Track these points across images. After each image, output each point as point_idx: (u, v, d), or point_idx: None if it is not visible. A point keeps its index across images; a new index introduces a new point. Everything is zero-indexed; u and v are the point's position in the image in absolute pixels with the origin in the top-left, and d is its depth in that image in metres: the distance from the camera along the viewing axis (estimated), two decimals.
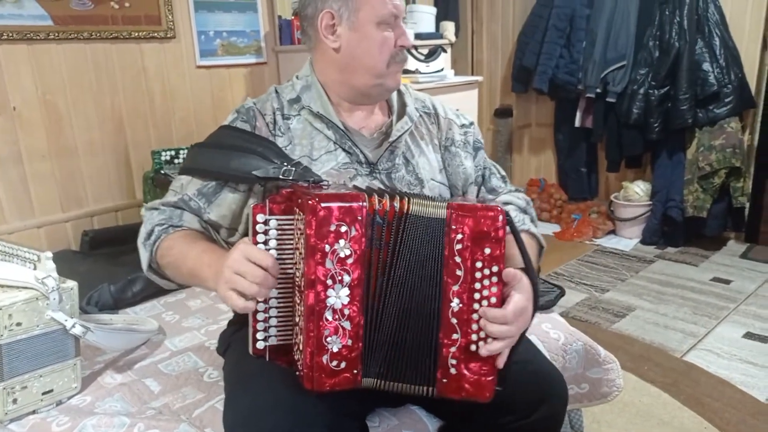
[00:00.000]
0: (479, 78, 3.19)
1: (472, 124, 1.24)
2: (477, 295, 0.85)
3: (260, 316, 0.89)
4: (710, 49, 2.89)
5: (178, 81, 2.64)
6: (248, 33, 2.84)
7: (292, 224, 0.88)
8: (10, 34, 2.13)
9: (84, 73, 2.35)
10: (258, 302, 0.87)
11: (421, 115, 1.18)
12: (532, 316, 0.91)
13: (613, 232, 3.42)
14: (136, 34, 2.46)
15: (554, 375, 1.05)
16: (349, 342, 0.83)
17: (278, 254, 0.87)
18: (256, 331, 0.89)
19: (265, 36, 2.90)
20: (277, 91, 1.13)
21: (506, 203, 1.17)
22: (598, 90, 3.22)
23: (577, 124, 3.48)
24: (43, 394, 1.16)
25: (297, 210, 0.86)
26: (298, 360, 0.87)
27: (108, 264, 2.06)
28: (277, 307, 0.89)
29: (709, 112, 2.93)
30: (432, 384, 0.88)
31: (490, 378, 0.87)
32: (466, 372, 0.87)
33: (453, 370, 0.87)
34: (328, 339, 0.82)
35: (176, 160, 2.35)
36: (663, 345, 2.21)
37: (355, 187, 0.95)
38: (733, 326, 2.33)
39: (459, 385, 0.87)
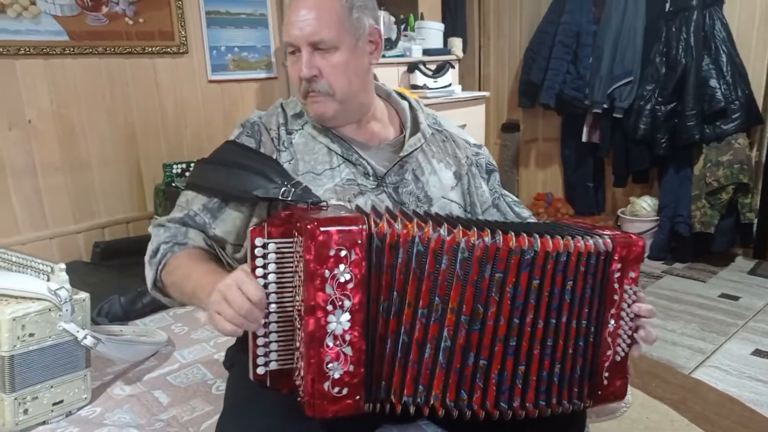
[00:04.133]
0: (486, 93, 3.22)
1: (482, 146, 1.24)
2: (623, 314, 0.95)
3: (260, 341, 0.87)
4: (717, 65, 2.90)
5: (190, 95, 2.67)
6: (259, 48, 2.89)
7: (291, 247, 0.86)
8: (28, 49, 2.18)
9: (98, 87, 2.39)
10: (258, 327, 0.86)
11: (433, 132, 1.17)
12: None
13: None
14: (150, 49, 2.50)
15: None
16: (351, 368, 0.82)
17: (278, 278, 0.86)
18: (256, 356, 0.87)
19: (275, 51, 2.94)
20: (282, 106, 1.13)
21: None
22: (605, 105, 3.23)
23: (584, 139, 3.49)
24: (54, 404, 1.17)
25: (296, 233, 0.85)
26: (299, 386, 0.85)
27: (119, 276, 2.08)
28: (277, 332, 0.87)
29: (716, 128, 2.93)
30: (590, 398, 0.94)
31: (627, 379, 0.96)
32: (614, 380, 0.95)
33: (606, 381, 0.94)
34: (329, 365, 0.81)
35: (187, 173, 2.38)
36: (671, 361, 2.20)
37: (358, 208, 0.94)
38: (742, 343, 2.32)
39: (610, 391, 0.95)
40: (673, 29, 3.00)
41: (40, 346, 1.14)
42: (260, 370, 0.87)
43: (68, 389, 1.19)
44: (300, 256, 0.82)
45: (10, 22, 2.14)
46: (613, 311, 0.93)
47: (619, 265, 0.93)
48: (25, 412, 1.13)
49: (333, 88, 1.03)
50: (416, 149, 1.12)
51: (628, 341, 0.96)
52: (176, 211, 1.10)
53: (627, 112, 3.17)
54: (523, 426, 0.95)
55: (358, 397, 0.83)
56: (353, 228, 0.80)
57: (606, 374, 0.94)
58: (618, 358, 0.94)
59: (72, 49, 2.29)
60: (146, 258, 1.07)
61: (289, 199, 0.94)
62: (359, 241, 0.80)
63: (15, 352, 1.11)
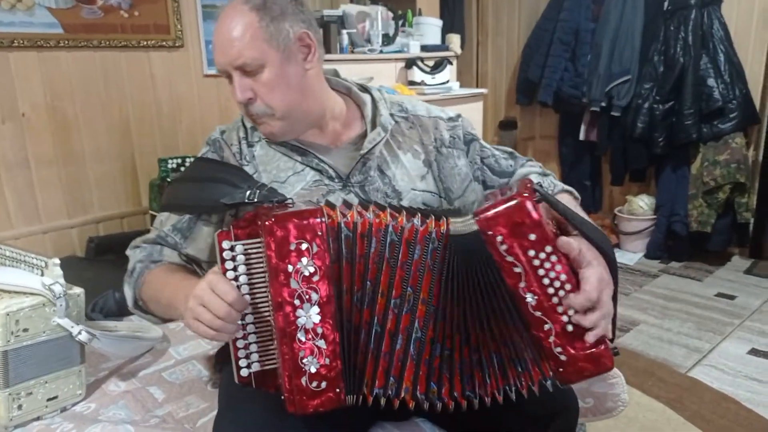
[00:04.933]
0: (484, 90, 3.21)
1: (459, 116, 1.19)
2: (546, 281, 0.84)
3: (240, 343, 0.86)
4: (715, 64, 2.90)
5: (186, 89, 2.66)
6: None
7: (259, 247, 0.85)
8: (22, 42, 2.16)
9: (92, 81, 2.37)
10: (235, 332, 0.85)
11: (397, 121, 1.13)
12: (614, 270, 0.88)
13: (617, 245, 3.42)
14: (145, 43, 2.48)
15: (565, 387, 1.04)
16: (327, 361, 0.81)
17: (249, 279, 0.86)
18: (238, 359, 0.87)
19: None
20: (242, 119, 1.12)
21: (525, 176, 1.15)
22: (603, 104, 3.23)
23: (581, 137, 3.49)
24: (48, 400, 1.16)
25: (260, 232, 0.84)
26: (281, 383, 0.85)
27: (113, 271, 2.06)
28: (255, 332, 0.86)
29: (713, 128, 2.94)
30: (557, 377, 0.87)
31: (603, 347, 0.85)
32: (576, 352, 0.85)
33: (563, 357, 0.85)
34: (305, 360, 0.81)
35: (182, 168, 2.36)
36: (667, 360, 2.20)
37: (327, 202, 0.91)
38: (738, 342, 2.32)
39: (576, 367, 0.86)
40: (672, 28, 3.00)
41: (34, 342, 1.12)
42: (244, 372, 0.87)
43: (63, 385, 1.17)
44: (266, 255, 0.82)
45: (4, 14, 2.11)
46: (522, 285, 0.83)
47: (500, 237, 0.82)
48: (20, 407, 1.12)
49: (271, 108, 1.01)
50: (377, 144, 1.08)
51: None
52: (151, 232, 1.12)
53: (625, 110, 3.17)
54: (512, 420, 0.95)
55: (338, 389, 0.83)
56: (312, 220, 0.81)
57: (558, 349, 0.85)
58: (570, 328, 0.84)
59: (66, 42, 2.27)
60: (125, 278, 1.09)
61: (255, 200, 0.94)
62: (319, 233, 0.81)
63: (9, 348, 1.09)
